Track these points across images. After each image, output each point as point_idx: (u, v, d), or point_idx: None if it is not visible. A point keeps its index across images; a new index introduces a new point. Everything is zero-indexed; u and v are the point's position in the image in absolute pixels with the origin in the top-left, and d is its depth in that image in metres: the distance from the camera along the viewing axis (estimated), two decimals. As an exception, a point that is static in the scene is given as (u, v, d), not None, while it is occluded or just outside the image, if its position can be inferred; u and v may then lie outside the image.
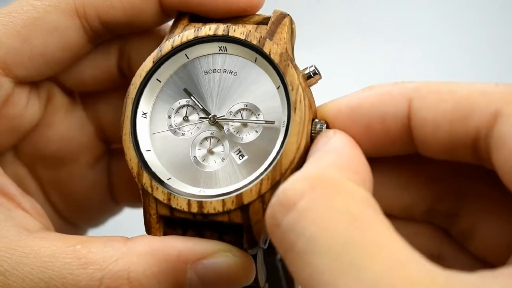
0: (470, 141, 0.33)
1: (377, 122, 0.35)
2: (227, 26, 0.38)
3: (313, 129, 0.36)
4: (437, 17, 0.80)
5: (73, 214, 0.49)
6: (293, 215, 0.28)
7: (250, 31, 0.38)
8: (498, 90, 0.32)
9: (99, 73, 0.45)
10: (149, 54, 0.40)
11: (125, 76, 0.46)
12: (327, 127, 0.36)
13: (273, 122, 0.37)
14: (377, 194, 0.32)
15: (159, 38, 0.44)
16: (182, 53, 0.39)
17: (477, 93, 0.33)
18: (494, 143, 0.32)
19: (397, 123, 0.35)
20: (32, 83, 0.43)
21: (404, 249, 0.27)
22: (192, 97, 0.39)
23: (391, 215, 0.32)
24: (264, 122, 0.37)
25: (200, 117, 0.39)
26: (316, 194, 0.28)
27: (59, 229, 0.43)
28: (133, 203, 0.51)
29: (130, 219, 0.54)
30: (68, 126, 0.46)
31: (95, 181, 0.49)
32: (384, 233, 0.27)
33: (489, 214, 0.36)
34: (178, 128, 0.39)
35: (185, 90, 0.39)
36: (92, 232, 0.52)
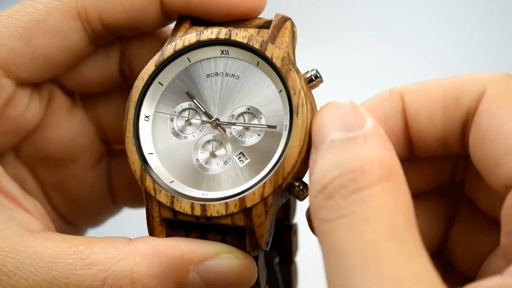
0: (461, 125, 0.35)
1: (382, 123, 0.35)
2: (229, 30, 0.39)
3: None
4: (438, 17, 0.80)
5: (73, 214, 0.49)
6: (366, 193, 0.30)
7: (252, 35, 0.38)
8: (485, 75, 0.34)
9: (100, 74, 0.46)
10: (151, 56, 0.40)
11: (126, 78, 0.46)
12: None
13: (275, 127, 0.37)
14: None
15: (161, 41, 0.44)
16: (184, 57, 0.39)
17: (465, 78, 0.35)
18: (474, 119, 0.34)
19: (397, 120, 0.36)
20: (33, 84, 0.44)
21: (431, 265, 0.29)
22: (194, 100, 0.39)
23: None
24: (266, 126, 0.38)
25: (203, 121, 0.39)
26: (389, 186, 0.30)
27: (59, 229, 0.43)
28: (133, 204, 0.51)
29: (129, 219, 0.54)
30: (69, 127, 0.46)
31: (95, 181, 0.49)
32: (420, 238, 0.30)
33: (466, 231, 0.38)
34: (181, 131, 0.39)
35: (188, 93, 0.39)
36: (92, 233, 0.52)
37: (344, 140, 0.32)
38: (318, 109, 0.38)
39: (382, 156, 0.31)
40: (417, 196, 0.38)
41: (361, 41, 0.77)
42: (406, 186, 0.31)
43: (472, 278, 0.37)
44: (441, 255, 0.40)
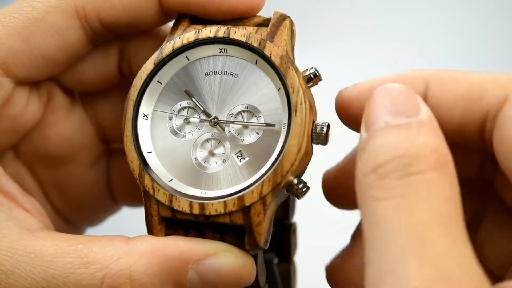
0: (479, 122, 0.36)
1: None
2: (228, 28, 0.39)
3: (313, 131, 0.37)
4: (438, 17, 0.80)
5: (72, 213, 0.49)
6: (418, 178, 0.31)
7: (250, 33, 0.38)
8: (509, 78, 0.36)
9: (99, 73, 0.46)
10: (149, 54, 0.40)
11: (125, 76, 0.46)
12: (328, 129, 0.37)
13: (273, 125, 0.37)
14: None
15: (159, 39, 0.44)
16: (183, 55, 0.39)
17: (490, 79, 0.36)
18: (498, 123, 0.35)
19: None
20: (32, 83, 0.44)
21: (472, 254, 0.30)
22: (193, 99, 0.39)
23: None
24: (264, 125, 0.38)
25: (201, 119, 0.39)
26: (441, 175, 0.31)
27: (58, 228, 0.43)
28: (132, 203, 0.51)
29: (128, 218, 0.54)
30: (68, 126, 0.46)
31: (94, 180, 0.49)
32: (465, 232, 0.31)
33: (495, 228, 0.39)
34: (179, 130, 0.39)
35: (186, 91, 0.39)
36: (91, 231, 0.53)
37: (400, 125, 0.33)
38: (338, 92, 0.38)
39: (437, 146, 0.32)
40: None
41: (361, 41, 0.77)
42: (456, 178, 0.32)
43: (500, 278, 0.37)
44: None
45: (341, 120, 0.40)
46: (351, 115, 0.38)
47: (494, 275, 0.38)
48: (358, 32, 0.78)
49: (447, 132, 0.36)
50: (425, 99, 0.37)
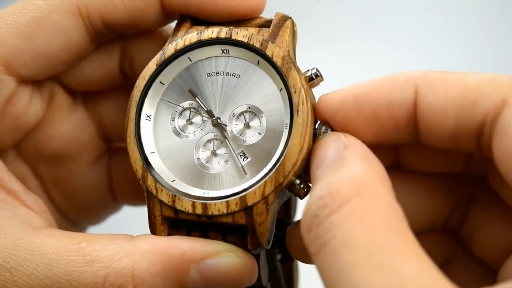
0: (476, 128, 0.33)
1: (383, 109, 0.35)
2: (230, 29, 0.39)
3: (316, 131, 0.37)
4: (438, 18, 0.80)
5: (74, 212, 0.49)
6: (337, 217, 0.30)
7: (252, 34, 0.38)
8: (506, 79, 0.33)
9: (101, 73, 0.46)
10: (152, 55, 0.40)
11: (127, 76, 0.46)
12: (332, 131, 0.37)
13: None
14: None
15: (161, 39, 0.44)
16: (185, 56, 0.39)
17: (486, 81, 0.33)
18: (497, 130, 0.32)
19: (403, 109, 0.35)
20: (34, 82, 0.44)
21: (429, 261, 0.29)
22: (197, 98, 0.39)
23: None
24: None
25: (204, 120, 0.39)
26: (361, 200, 0.30)
27: (59, 227, 0.43)
28: (133, 202, 0.51)
29: (130, 217, 0.54)
30: (69, 125, 0.47)
31: (95, 179, 0.49)
32: (414, 243, 0.29)
33: (487, 220, 0.37)
34: (182, 130, 0.40)
35: (190, 91, 0.39)
36: (92, 230, 0.53)
37: (323, 171, 0.32)
38: (319, 97, 0.38)
39: (353, 174, 0.31)
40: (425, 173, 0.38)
41: (361, 41, 0.77)
42: (386, 195, 0.31)
43: (489, 267, 0.37)
44: (451, 234, 0.39)
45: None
46: (332, 122, 0.37)
47: (482, 262, 0.38)
48: (358, 32, 0.79)
49: (439, 139, 0.35)
50: (415, 106, 0.35)
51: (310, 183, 0.35)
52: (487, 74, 0.34)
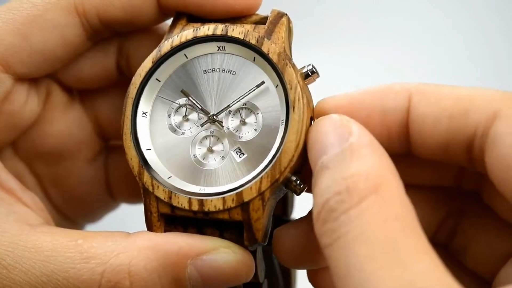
0: (466, 139, 0.34)
1: (376, 116, 0.35)
2: (226, 26, 0.39)
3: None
4: (438, 19, 0.80)
5: (71, 210, 0.49)
6: (354, 212, 0.30)
7: (248, 30, 0.38)
8: (498, 93, 0.34)
9: (97, 70, 0.46)
10: (148, 52, 0.40)
11: (124, 73, 0.46)
12: None
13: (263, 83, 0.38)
14: None
15: (158, 37, 0.44)
16: (181, 53, 0.39)
17: (478, 94, 0.34)
18: (489, 142, 0.33)
19: (396, 117, 0.35)
20: (31, 79, 0.44)
21: (437, 258, 0.29)
22: (190, 98, 0.39)
23: None
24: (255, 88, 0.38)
25: (200, 116, 0.39)
26: (378, 197, 0.30)
27: (57, 224, 0.44)
28: (130, 199, 0.51)
29: (128, 215, 0.54)
30: (66, 123, 0.47)
31: (93, 177, 0.49)
32: (424, 240, 0.30)
33: (480, 232, 0.38)
34: (178, 127, 0.40)
35: (183, 91, 0.40)
36: (89, 228, 0.53)
37: (331, 160, 0.32)
38: (315, 103, 0.38)
39: (369, 169, 0.31)
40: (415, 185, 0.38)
41: (360, 41, 0.77)
42: (400, 191, 0.31)
43: (482, 278, 0.37)
44: (440, 248, 0.40)
45: None
46: None
47: (476, 275, 0.38)
48: (358, 32, 0.78)
49: (430, 149, 0.35)
50: (408, 114, 0.35)
51: (309, 167, 0.35)
52: (480, 88, 0.34)
